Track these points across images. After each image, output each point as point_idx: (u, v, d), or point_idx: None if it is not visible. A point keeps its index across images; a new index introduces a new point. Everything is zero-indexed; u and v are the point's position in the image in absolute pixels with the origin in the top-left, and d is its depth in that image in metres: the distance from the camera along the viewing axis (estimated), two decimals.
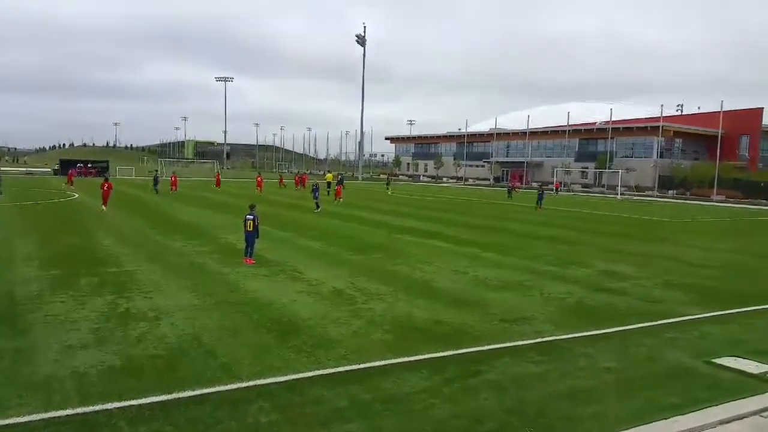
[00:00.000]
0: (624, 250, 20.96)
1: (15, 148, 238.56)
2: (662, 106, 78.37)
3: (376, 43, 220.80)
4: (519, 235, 24.40)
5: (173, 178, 48.17)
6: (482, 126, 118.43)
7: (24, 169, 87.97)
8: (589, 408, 7.02)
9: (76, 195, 39.70)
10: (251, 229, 15.63)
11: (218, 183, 55.95)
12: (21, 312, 10.31)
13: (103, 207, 29.06)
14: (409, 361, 8.38)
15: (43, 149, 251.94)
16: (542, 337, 9.81)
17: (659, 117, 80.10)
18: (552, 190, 67.64)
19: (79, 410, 6.46)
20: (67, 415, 6.35)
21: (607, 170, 79.02)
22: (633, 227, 30.86)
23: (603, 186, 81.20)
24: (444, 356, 8.66)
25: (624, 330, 10.50)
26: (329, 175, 55.07)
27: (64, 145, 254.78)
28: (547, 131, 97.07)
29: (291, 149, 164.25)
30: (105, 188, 29.92)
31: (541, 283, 14.27)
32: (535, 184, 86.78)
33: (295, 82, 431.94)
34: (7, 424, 6.09)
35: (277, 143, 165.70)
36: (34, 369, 7.64)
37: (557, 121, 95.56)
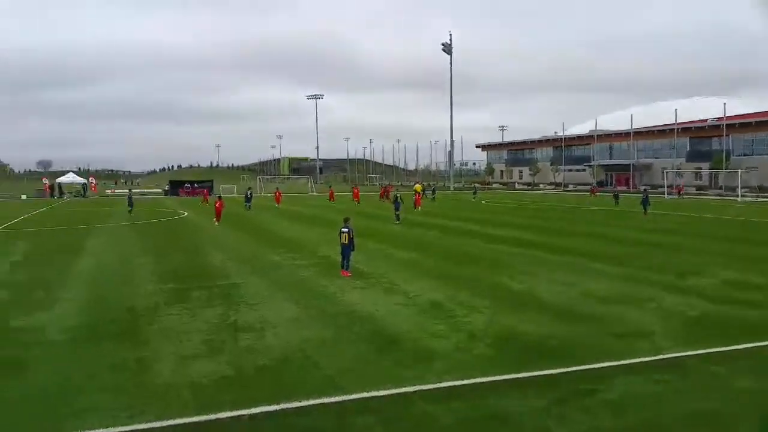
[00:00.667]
0: (749, 256, 19.12)
1: (129, 172, 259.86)
2: None
3: (462, 50, 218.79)
4: (629, 244, 23.00)
5: (277, 194, 51.40)
6: (580, 128, 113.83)
7: (138, 190, 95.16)
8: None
9: (185, 213, 42.31)
10: (346, 242, 15.65)
11: (332, 197, 56.78)
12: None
13: (216, 221, 31.38)
14: (516, 378, 8.01)
15: (154, 171, 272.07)
16: (663, 354, 9.05)
17: None
18: (673, 193, 63.85)
19: (196, 419, 6.71)
20: (184, 423, 6.61)
21: (723, 170, 73.13)
22: (757, 232, 28.19)
23: (720, 187, 75.15)
24: (554, 373, 8.20)
25: (760, 346, 9.46)
26: (418, 186, 55.63)
27: (172, 167, 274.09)
28: (654, 131, 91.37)
29: (381, 161, 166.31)
30: (217, 205, 32.66)
31: (658, 295, 13.27)
32: (643, 188, 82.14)
33: (382, 95, 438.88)
34: (131, 430, 6.43)
35: (367, 156, 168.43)
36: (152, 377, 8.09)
37: (662, 120, 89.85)
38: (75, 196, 72.22)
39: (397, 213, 33.35)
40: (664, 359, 8.83)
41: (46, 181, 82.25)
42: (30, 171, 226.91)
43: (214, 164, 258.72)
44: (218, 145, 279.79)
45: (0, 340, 9.98)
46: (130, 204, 41.42)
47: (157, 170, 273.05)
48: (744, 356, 9.03)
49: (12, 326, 10.84)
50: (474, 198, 60.17)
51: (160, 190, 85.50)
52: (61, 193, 73.20)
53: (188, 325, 10.81)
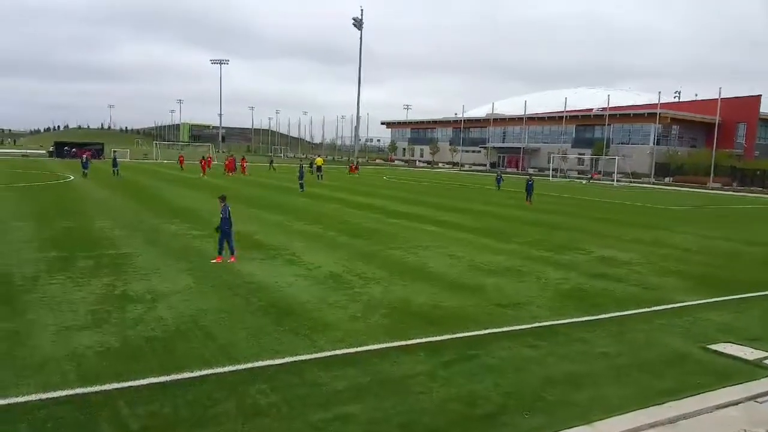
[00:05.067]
0: (621, 236, 21.02)
1: (10, 130, 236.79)
2: (660, 92, 78.17)
3: (372, 27, 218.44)
4: (513, 221, 24.41)
5: (242, 161, 55.11)
6: (479, 111, 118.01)
7: (20, 151, 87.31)
8: (586, 392, 7.07)
9: (71, 177, 39.43)
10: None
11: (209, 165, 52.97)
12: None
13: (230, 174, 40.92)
14: (406, 345, 8.42)
15: (38, 131, 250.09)
16: (538, 323, 9.86)
17: (656, 103, 79.96)
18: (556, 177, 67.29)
19: (79, 391, 6.47)
20: (66, 395, 6.36)
21: (603, 157, 78.98)
22: (629, 214, 30.93)
23: (599, 173, 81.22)
24: (441, 340, 8.71)
25: (620, 316, 10.55)
26: (319, 159, 56.72)
27: (58, 127, 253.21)
28: (544, 117, 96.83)
29: (286, 133, 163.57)
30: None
31: (537, 269, 14.31)
32: (531, 171, 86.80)
33: (289, 63, 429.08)
34: (6, 404, 6.09)
35: (273, 127, 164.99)
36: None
37: (553, 108, 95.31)
38: None
39: (301, 182, 36.33)
40: (539, 327, 9.62)
41: None
42: None
43: (106, 126, 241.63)
44: (111, 106, 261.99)
45: None
46: (85, 166, 40.77)
47: (42, 130, 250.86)
48: (608, 324, 10.03)
49: None
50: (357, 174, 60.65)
51: (44, 151, 78.93)
52: None
53: (71, 295, 10.26)
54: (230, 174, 49.81)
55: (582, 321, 10.09)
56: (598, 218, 27.46)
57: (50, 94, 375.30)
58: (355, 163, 73.66)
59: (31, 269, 12.09)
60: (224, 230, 13.65)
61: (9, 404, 6.11)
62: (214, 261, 13.51)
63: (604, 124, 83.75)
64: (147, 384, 6.74)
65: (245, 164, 55.31)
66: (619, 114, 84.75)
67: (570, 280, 13.30)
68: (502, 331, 9.29)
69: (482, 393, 6.91)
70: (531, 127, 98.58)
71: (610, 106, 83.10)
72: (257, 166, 65.91)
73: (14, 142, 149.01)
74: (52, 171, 46.06)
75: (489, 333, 9.17)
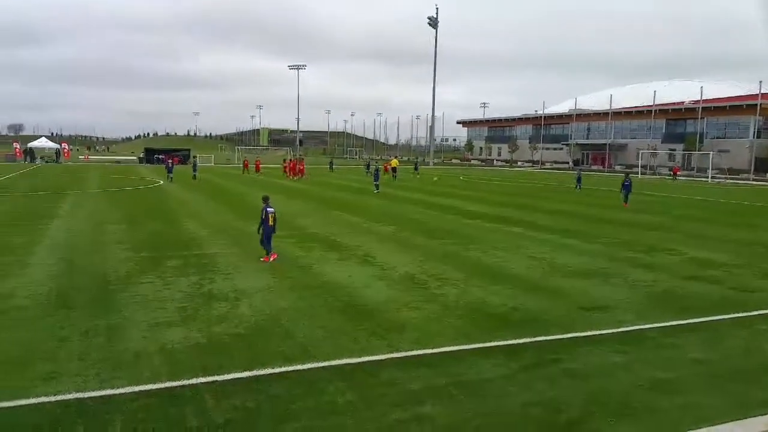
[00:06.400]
0: (716, 236, 19.69)
1: (104, 138, 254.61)
2: (761, 82, 72.63)
3: (447, 25, 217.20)
4: (596, 221, 23.45)
5: (256, 162, 59.53)
6: (560, 107, 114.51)
7: (114, 157, 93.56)
8: (675, 400, 6.65)
9: (161, 182, 41.79)
10: (272, 223, 13.93)
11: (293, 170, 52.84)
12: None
13: (294, 178, 44.98)
14: (484, 347, 8.25)
15: (129, 138, 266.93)
16: (624, 327, 9.39)
17: (756, 94, 74.35)
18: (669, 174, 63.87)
19: (168, 384, 6.80)
20: (157, 388, 6.70)
21: (696, 152, 74.43)
22: (725, 213, 28.94)
23: (692, 169, 76.61)
24: (520, 343, 8.47)
25: (715, 320, 9.87)
26: (394, 161, 57.09)
27: (148, 134, 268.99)
28: (632, 111, 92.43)
29: (362, 135, 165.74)
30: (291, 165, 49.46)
31: (623, 271, 13.66)
32: (618, 168, 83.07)
33: (364, 66, 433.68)
34: (101, 395, 6.50)
35: (348, 129, 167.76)
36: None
37: (641, 101, 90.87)
38: (47, 162, 70.74)
39: (377, 183, 36.58)
40: (625, 331, 9.16)
41: (17, 145, 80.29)
42: (0, 135, 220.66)
43: (192, 133, 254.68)
44: (197, 113, 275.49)
45: None
46: (169, 171, 43.37)
47: (133, 137, 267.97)
48: (700, 329, 9.40)
49: None
50: (417, 174, 58.58)
51: (135, 158, 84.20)
52: (33, 158, 71.62)
53: (161, 293, 10.83)
54: (294, 177, 49.36)
55: (672, 325, 9.51)
56: (689, 217, 25.88)
57: (140, 102, 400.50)
58: (417, 162, 72.55)
59: (125, 269, 12.87)
60: (266, 230, 13.85)
61: (106, 395, 6.51)
62: (262, 260, 13.82)
63: (697, 118, 78.88)
64: (231, 379, 6.99)
65: (302, 167, 52.76)
66: (714, 106, 79.52)
67: (659, 282, 12.59)
68: (586, 336, 8.92)
69: (565, 399, 6.64)
70: (617, 122, 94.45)
71: (703, 98, 78.19)
72: (317, 169, 66.79)
73: (108, 149, 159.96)
74: (142, 176, 48.96)
75: (571, 337, 8.82)
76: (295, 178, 49.14)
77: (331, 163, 69.94)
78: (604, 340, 8.77)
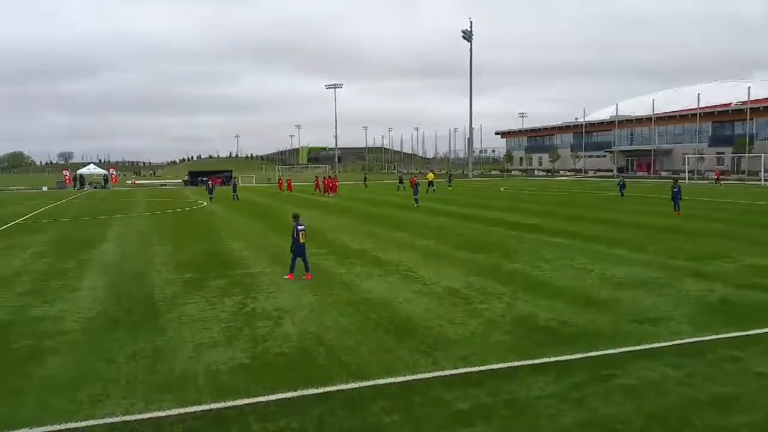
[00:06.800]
0: None
1: (150, 162, 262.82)
2: None
3: (481, 37, 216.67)
4: (644, 228, 22.68)
5: (288, 181, 59.91)
6: (602, 114, 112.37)
7: (159, 181, 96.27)
8: (740, 417, 6.24)
9: (204, 203, 42.67)
10: (304, 240, 13.95)
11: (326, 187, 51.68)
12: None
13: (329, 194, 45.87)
14: (533, 364, 7.97)
15: (174, 162, 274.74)
16: (681, 339, 8.94)
17: None
18: (712, 179, 60.91)
19: (213, 406, 6.77)
20: (202, 410, 6.68)
21: (747, 154, 71.65)
22: None
23: (743, 172, 73.79)
24: (571, 359, 8.15)
25: None
26: (431, 174, 57.12)
27: (192, 157, 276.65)
28: (676, 116, 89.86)
29: (399, 150, 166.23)
30: (324, 182, 49.54)
31: (676, 280, 13.10)
32: (664, 174, 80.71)
33: (399, 81, 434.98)
34: (148, 418, 6.52)
35: (386, 145, 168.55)
36: None
37: (685, 105, 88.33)
38: (95, 188, 73.27)
39: (416, 197, 36.66)
40: (682, 344, 8.72)
41: (67, 173, 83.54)
42: (51, 163, 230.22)
43: (233, 154, 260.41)
44: (237, 135, 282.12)
45: (20, 328, 10.15)
46: (211, 192, 45.06)
47: (177, 161, 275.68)
48: (763, 341, 8.87)
49: (32, 315, 11.02)
50: (450, 187, 58.25)
51: (179, 181, 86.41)
52: (83, 185, 74.31)
53: (205, 314, 10.92)
54: (329, 194, 49.24)
55: (732, 337, 9.00)
56: (744, 222, 24.79)
57: (183, 127, 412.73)
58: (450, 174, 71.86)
59: (170, 290, 13.06)
60: (298, 248, 13.82)
61: (153, 418, 6.52)
62: (285, 277, 13.89)
63: (746, 119, 76.13)
64: (276, 399, 6.92)
65: (335, 184, 52.70)
66: (763, 107, 76.59)
67: (715, 291, 12.00)
68: (640, 350, 8.52)
69: (621, 416, 6.31)
70: (661, 126, 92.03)
71: (751, 99, 75.45)
72: (350, 185, 66.99)
73: (154, 173, 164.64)
74: (187, 198, 50.09)
75: (625, 351, 8.44)
76: (330, 194, 49.36)
77: (365, 179, 70.34)
78: (659, 353, 8.37)
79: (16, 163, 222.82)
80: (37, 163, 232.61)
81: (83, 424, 6.37)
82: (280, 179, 63.08)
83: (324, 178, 58.34)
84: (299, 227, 13.91)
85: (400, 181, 58.61)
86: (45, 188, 71.75)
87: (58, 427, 6.31)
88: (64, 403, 6.95)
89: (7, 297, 12.61)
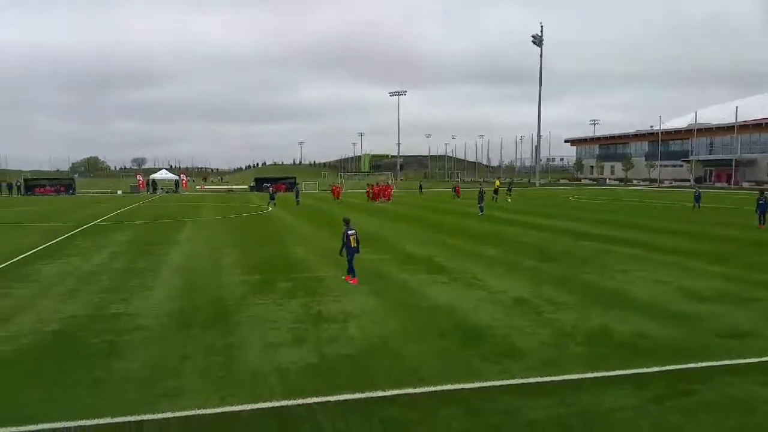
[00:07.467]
0: None
1: (218, 169, 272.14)
2: None
3: (551, 42, 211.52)
4: (724, 241, 21.47)
5: (338, 189, 57.40)
6: (679, 122, 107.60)
7: (227, 187, 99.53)
8: None
9: (270, 209, 43.74)
10: (356, 244, 14.17)
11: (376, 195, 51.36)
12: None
13: (386, 201, 45.85)
14: (608, 376, 7.65)
15: (240, 168, 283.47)
16: None
17: None
18: None
19: (283, 403, 6.87)
20: (272, 407, 6.79)
21: None
22: None
23: None
24: (649, 372, 7.77)
25: None
26: (497, 182, 58.56)
27: (257, 164, 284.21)
28: (761, 123, 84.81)
29: (463, 158, 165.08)
30: (374, 189, 49.35)
31: (761, 294, 12.30)
32: (746, 185, 76.43)
33: (464, 88, 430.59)
34: (222, 412, 6.68)
35: (449, 152, 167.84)
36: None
37: None
38: (167, 192, 76.54)
39: (481, 205, 35.92)
40: None
41: (140, 177, 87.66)
42: (125, 168, 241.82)
43: (297, 161, 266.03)
44: (301, 143, 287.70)
45: (100, 325, 10.64)
46: (272, 197, 46.35)
47: (244, 167, 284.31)
48: None
49: (110, 312, 11.55)
50: (508, 197, 54.96)
51: (246, 186, 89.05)
52: (155, 189, 77.79)
53: (274, 315, 11.13)
54: (384, 201, 49.15)
55: None
56: None
57: (250, 134, 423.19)
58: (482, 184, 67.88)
59: (240, 291, 13.41)
60: (350, 252, 14.07)
61: (226, 412, 6.68)
62: (344, 278, 14.26)
63: None
64: (344, 400, 6.96)
65: (389, 191, 52.40)
66: None
67: None
68: (724, 365, 8.05)
69: None
70: (744, 135, 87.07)
71: None
72: (405, 192, 66.81)
73: (222, 179, 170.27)
74: (253, 203, 51.48)
75: (707, 366, 7.99)
76: (387, 201, 49.46)
77: (420, 187, 70.17)
78: (744, 369, 7.88)
79: (92, 168, 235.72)
80: (112, 168, 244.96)
81: (161, 416, 6.60)
82: (333, 187, 60.04)
83: (376, 185, 57.23)
84: (349, 231, 14.12)
85: (454, 190, 58.95)
86: (120, 192, 75.69)
87: (134, 418, 6.56)
88: (142, 395, 7.23)
89: (88, 293, 13.28)
